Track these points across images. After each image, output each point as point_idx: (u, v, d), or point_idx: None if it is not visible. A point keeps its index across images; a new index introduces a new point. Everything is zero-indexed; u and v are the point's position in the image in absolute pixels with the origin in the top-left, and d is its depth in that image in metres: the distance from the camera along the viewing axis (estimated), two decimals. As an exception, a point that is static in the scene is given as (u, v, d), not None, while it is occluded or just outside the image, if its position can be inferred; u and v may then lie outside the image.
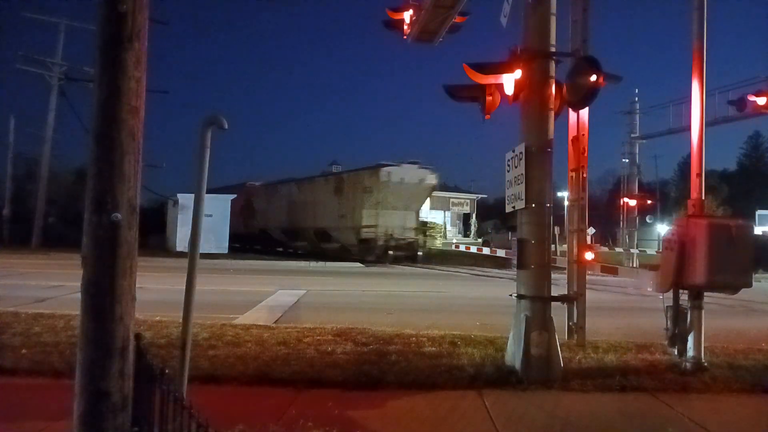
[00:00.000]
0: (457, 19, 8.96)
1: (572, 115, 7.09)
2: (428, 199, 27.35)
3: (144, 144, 2.78)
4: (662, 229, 28.23)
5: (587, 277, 7.49)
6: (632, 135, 26.76)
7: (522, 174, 5.86)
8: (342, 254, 23.36)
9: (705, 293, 6.19)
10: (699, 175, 6.23)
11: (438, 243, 36.31)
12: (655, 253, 22.72)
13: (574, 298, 7.09)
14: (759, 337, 8.15)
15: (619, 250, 27.57)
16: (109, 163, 2.63)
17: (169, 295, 9.60)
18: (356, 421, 4.39)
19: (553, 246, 6.53)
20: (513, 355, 5.87)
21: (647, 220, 33.16)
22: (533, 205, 5.84)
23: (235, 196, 27.22)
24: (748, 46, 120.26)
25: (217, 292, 12.05)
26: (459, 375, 5.57)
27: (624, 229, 26.47)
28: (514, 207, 6.14)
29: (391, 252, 22.64)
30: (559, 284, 6.91)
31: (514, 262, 6.63)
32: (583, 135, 7.20)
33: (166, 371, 2.71)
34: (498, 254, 20.40)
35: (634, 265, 22.92)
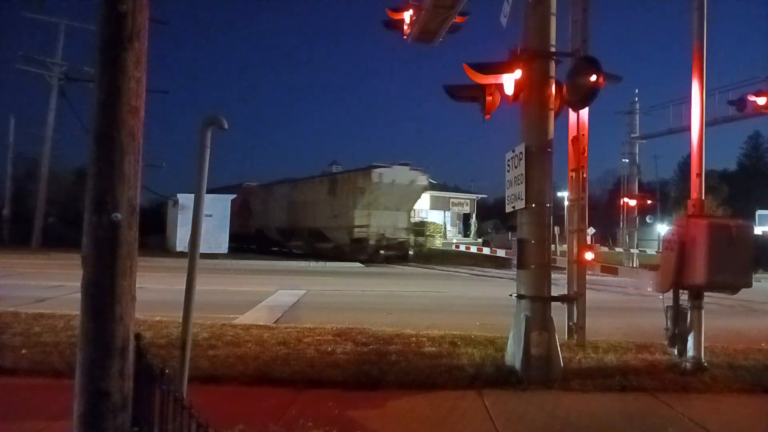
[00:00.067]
0: (457, 19, 8.96)
1: (572, 115, 7.09)
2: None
3: (144, 144, 2.78)
4: (662, 229, 28.21)
5: (587, 277, 7.49)
6: (632, 135, 26.76)
7: (522, 174, 5.86)
8: (336, 254, 23.72)
9: (705, 293, 6.19)
10: (699, 175, 6.23)
11: (438, 243, 36.35)
12: (655, 253, 22.72)
13: (574, 298, 7.09)
14: (759, 337, 8.15)
15: (619, 250, 27.56)
16: (109, 163, 2.63)
17: (169, 295, 9.60)
18: (356, 421, 4.39)
19: (553, 246, 6.53)
20: (513, 355, 5.87)
21: (647, 220, 33.13)
22: (533, 205, 5.84)
23: (234, 196, 27.28)
24: (748, 46, 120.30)
25: (217, 292, 12.05)
26: (459, 375, 5.57)
27: (624, 229, 26.46)
28: (514, 207, 6.14)
29: (382, 251, 23.05)
30: (559, 284, 6.91)
31: (514, 262, 6.63)
32: (583, 135, 7.20)
33: (166, 371, 2.71)
34: (498, 254, 20.38)
35: (634, 265, 22.92)
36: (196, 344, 6.07)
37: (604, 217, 36.74)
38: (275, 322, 8.66)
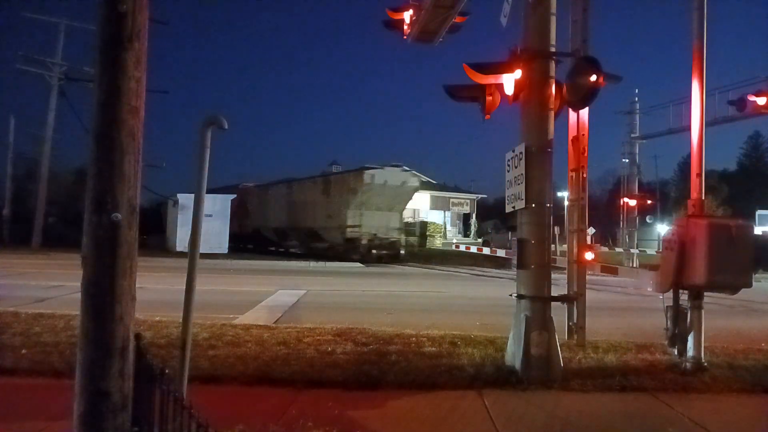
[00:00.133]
0: (457, 19, 8.95)
1: (572, 115, 7.09)
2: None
3: (144, 144, 2.78)
4: (662, 229, 28.20)
5: (587, 277, 7.49)
6: (632, 135, 26.75)
7: (522, 174, 5.86)
8: (331, 253, 24.11)
9: (705, 293, 6.19)
10: (699, 175, 6.23)
11: (438, 243, 36.38)
12: (655, 253, 22.71)
13: (574, 298, 7.09)
14: (759, 337, 8.16)
15: (619, 250, 27.55)
16: (109, 163, 2.63)
17: (169, 295, 9.60)
18: (356, 421, 4.39)
19: (553, 246, 6.53)
20: (513, 355, 5.87)
21: (647, 220, 33.13)
22: (533, 205, 5.83)
23: (234, 196, 27.32)
24: (748, 46, 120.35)
25: (217, 292, 12.05)
26: (459, 375, 5.57)
27: (624, 229, 26.46)
28: (514, 207, 6.14)
29: (374, 251, 23.41)
30: (559, 284, 6.90)
31: (514, 262, 6.63)
32: (583, 135, 7.20)
33: (166, 371, 2.71)
34: (498, 254, 20.39)
35: (634, 265, 22.91)
36: (196, 344, 6.07)
37: (604, 217, 36.74)
38: (275, 322, 8.66)
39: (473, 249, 25.24)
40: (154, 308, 7.96)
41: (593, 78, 5.54)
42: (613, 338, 7.51)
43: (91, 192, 2.63)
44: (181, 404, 2.44)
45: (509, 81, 5.85)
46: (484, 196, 55.82)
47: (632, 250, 25.27)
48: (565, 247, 9.04)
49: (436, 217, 46.32)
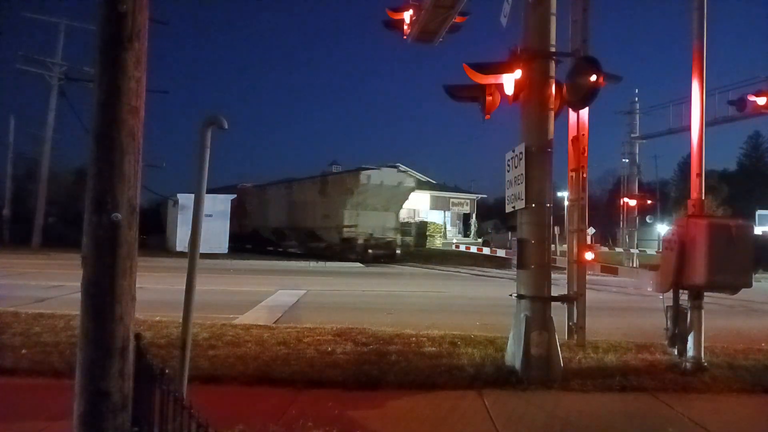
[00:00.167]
0: (457, 19, 8.95)
1: (572, 115, 7.09)
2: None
3: (144, 144, 2.78)
4: (662, 229, 28.20)
5: (587, 277, 7.49)
6: (632, 135, 26.75)
7: (522, 174, 5.85)
8: (328, 253, 24.35)
9: (705, 293, 6.19)
10: (699, 175, 6.23)
11: (438, 243, 36.39)
12: (655, 253, 22.72)
13: (574, 298, 7.09)
14: (759, 337, 8.16)
15: (619, 250, 27.55)
16: (109, 163, 2.63)
17: (169, 295, 9.60)
18: (356, 421, 4.39)
19: (553, 246, 6.53)
20: (513, 355, 5.86)
21: (647, 220, 33.13)
22: (533, 205, 5.83)
23: (234, 196, 27.35)
24: (748, 46, 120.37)
25: (217, 292, 12.05)
26: (459, 375, 5.57)
27: (624, 229, 26.45)
28: (514, 207, 6.14)
29: (370, 251, 23.62)
30: (559, 284, 6.90)
31: (514, 262, 6.62)
32: (583, 135, 7.20)
33: (166, 371, 2.71)
34: (498, 254, 20.41)
35: (634, 265, 22.91)
36: (196, 344, 6.07)
37: (604, 217, 36.75)
38: (275, 322, 8.66)
39: (473, 249, 25.27)
40: (154, 308, 7.96)
41: (593, 78, 5.54)
42: (613, 338, 7.51)
43: (91, 192, 2.63)
44: (181, 404, 2.44)
45: (509, 81, 5.85)
46: (484, 196, 55.87)
47: (632, 250, 25.27)
48: (565, 247, 9.04)
49: (436, 217, 46.33)
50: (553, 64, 6.05)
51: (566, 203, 9.62)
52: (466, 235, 50.28)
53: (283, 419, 4.29)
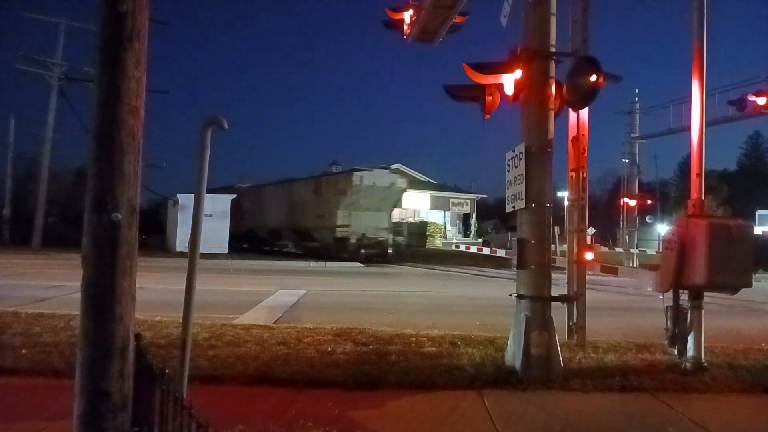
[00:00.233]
0: (457, 19, 8.95)
1: (572, 115, 7.09)
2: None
3: (144, 144, 2.78)
4: (662, 229, 28.18)
5: (587, 277, 7.49)
6: (632, 135, 26.74)
7: (522, 174, 5.86)
8: (322, 252, 24.73)
9: (705, 293, 6.19)
10: (699, 175, 6.23)
11: (438, 243, 36.39)
12: (655, 253, 22.71)
13: (574, 298, 7.09)
14: (759, 337, 8.16)
15: (619, 250, 27.54)
16: (109, 163, 2.63)
17: (169, 295, 9.60)
18: (356, 421, 4.39)
19: (553, 246, 6.53)
20: (513, 355, 5.87)
21: (647, 220, 33.11)
22: (533, 205, 5.84)
23: (235, 196, 27.37)
24: (748, 46, 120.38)
25: (217, 292, 12.05)
26: (459, 375, 5.57)
27: (624, 229, 26.44)
28: (514, 207, 6.14)
29: (363, 250, 23.89)
30: (559, 284, 6.91)
31: (514, 262, 6.62)
32: (583, 135, 7.20)
33: (166, 371, 2.71)
34: (498, 254, 20.40)
35: (634, 265, 22.91)
36: (196, 344, 6.07)
37: (604, 217, 36.72)
38: (275, 322, 8.66)
39: (473, 249, 25.31)
40: (154, 308, 7.96)
41: (593, 78, 5.54)
42: (613, 338, 7.51)
43: (91, 192, 2.63)
44: (181, 404, 2.44)
45: (509, 81, 5.85)
46: (484, 196, 55.89)
47: (632, 250, 25.26)
48: (565, 247, 9.04)
49: (436, 217, 46.35)
50: (553, 64, 6.05)
51: (566, 203, 9.61)
52: (466, 235, 50.29)
53: (283, 419, 4.29)
